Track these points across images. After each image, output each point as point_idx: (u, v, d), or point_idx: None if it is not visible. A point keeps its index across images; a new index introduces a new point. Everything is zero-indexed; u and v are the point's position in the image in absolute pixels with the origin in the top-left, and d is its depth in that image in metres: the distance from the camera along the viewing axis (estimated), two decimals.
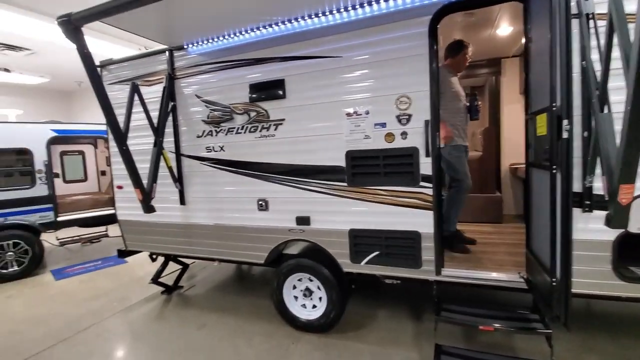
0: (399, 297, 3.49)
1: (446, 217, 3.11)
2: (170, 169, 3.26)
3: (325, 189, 2.78)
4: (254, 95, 2.93)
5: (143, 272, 4.84)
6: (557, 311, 1.71)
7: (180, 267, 4.21)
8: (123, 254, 3.87)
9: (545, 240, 1.78)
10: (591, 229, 2.00)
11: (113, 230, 6.17)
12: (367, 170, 2.64)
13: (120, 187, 3.72)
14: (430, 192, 2.47)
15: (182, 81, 3.25)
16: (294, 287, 3.06)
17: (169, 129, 3.26)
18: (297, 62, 2.75)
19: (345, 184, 2.71)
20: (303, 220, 2.88)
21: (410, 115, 2.47)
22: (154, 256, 3.90)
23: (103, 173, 6.70)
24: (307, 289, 3.01)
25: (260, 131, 2.95)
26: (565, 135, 1.56)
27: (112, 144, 3.60)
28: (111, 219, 5.76)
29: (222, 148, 3.14)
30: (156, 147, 3.08)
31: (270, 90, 2.87)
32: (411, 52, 2.42)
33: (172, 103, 3.26)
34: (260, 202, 3.02)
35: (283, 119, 2.86)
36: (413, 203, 2.52)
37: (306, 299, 3.02)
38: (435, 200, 2.46)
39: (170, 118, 3.27)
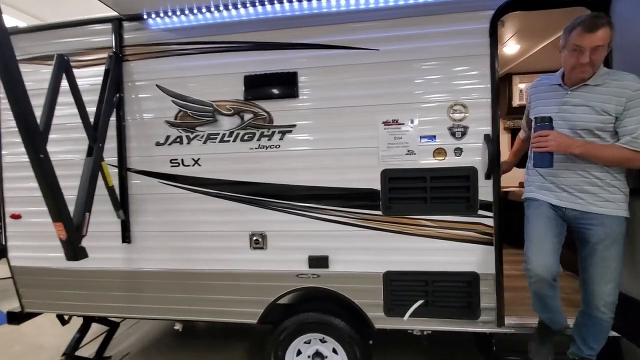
0: (411, 343, 2.92)
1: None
2: (111, 190, 2.20)
3: (351, 218, 2.10)
4: (250, 92, 2.15)
5: (39, 333, 3.37)
6: None
7: (107, 328, 2.97)
8: (16, 317, 2.52)
9: None
10: None
11: None
12: (409, 194, 2.06)
13: (16, 217, 2.45)
14: (490, 222, 1.99)
15: (135, 65, 2.28)
16: (299, 354, 2.25)
17: (110, 133, 2.21)
18: (317, 52, 2.09)
19: (379, 213, 2.07)
20: (318, 262, 2.14)
21: (466, 128, 2.00)
22: (67, 317, 2.65)
23: None
24: (318, 353, 2.24)
25: (259, 140, 2.16)
26: None
27: (11, 151, 2.38)
28: None
29: (197, 162, 2.23)
30: (92, 158, 2.02)
31: (276, 86, 2.13)
32: (469, 51, 1.97)
33: (118, 95, 2.25)
34: (254, 238, 2.18)
35: (293, 125, 2.13)
36: (469, 236, 2.02)
37: None
38: (496, 233, 1.99)
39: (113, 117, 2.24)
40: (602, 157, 1.65)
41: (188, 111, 2.22)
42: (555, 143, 1.63)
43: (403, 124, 2.04)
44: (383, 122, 2.05)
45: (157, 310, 2.33)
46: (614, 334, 1.94)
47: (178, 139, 2.24)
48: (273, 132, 2.14)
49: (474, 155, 1.99)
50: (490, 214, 1.99)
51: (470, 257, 2.02)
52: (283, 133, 2.14)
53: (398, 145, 2.04)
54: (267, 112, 2.14)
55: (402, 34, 2.02)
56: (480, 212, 2.00)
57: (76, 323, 2.69)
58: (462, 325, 2.05)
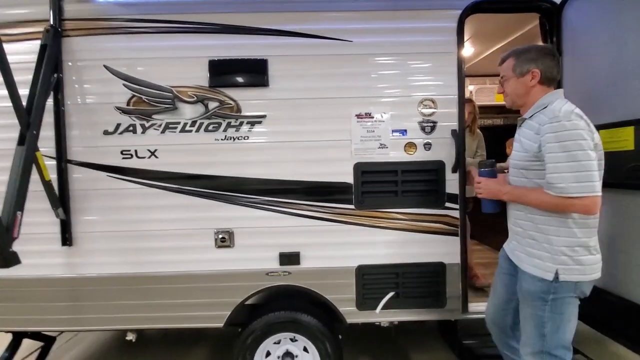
0: (378, 335, 2.97)
1: None
2: (48, 185, 1.90)
3: (324, 213, 2.06)
4: (216, 78, 1.99)
5: None
6: None
7: (41, 344, 2.58)
8: None
9: None
10: None
11: None
12: (381, 188, 2.07)
13: None
14: (456, 214, 2.08)
15: (77, 41, 1.99)
16: (268, 355, 2.15)
17: (46, 119, 1.90)
18: (290, 40, 2.00)
19: (351, 207, 2.06)
20: (290, 259, 2.06)
21: (435, 123, 2.06)
22: None
23: None
24: (288, 353, 2.16)
25: (225, 130, 2.01)
26: None
27: None
28: None
29: (153, 153, 2.02)
30: (25, 147, 1.72)
31: (245, 73, 2.00)
32: (439, 49, 2.03)
33: (57, 75, 1.94)
34: (220, 236, 2.04)
35: (263, 116, 2.02)
36: (437, 228, 2.08)
37: None
38: (462, 224, 2.08)
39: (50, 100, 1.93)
40: (528, 203, 1.49)
41: (143, 97, 1.99)
42: (483, 191, 1.63)
43: (375, 117, 2.04)
44: (356, 115, 2.03)
45: (106, 321, 2.07)
46: None
47: (131, 128, 2.00)
48: (241, 123, 2.01)
49: (442, 150, 2.06)
50: (456, 206, 2.08)
51: (437, 248, 2.09)
52: (252, 124, 2.01)
53: (371, 139, 2.04)
54: (234, 101, 2.00)
55: (374, 27, 2.01)
56: (447, 204, 2.07)
57: (4, 339, 2.30)
58: (429, 315, 2.12)
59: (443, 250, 2.09)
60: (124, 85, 1.99)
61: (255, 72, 1.99)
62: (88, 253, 2.05)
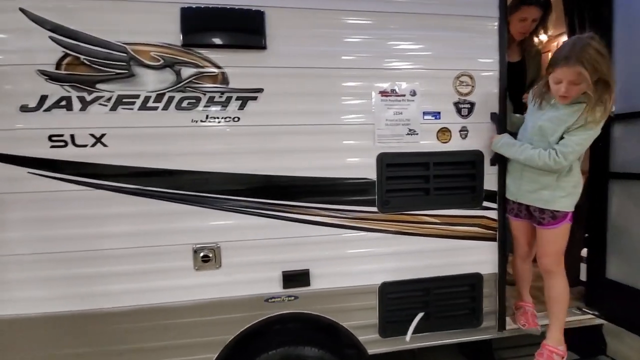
0: None
1: None
2: None
3: (340, 219, 1.60)
4: (193, 35, 1.42)
5: None
6: None
7: None
8: None
9: None
10: None
11: None
12: (410, 184, 1.65)
13: None
14: (494, 215, 1.73)
15: None
16: None
17: None
18: None
19: (374, 209, 1.62)
20: (296, 279, 1.58)
21: (472, 104, 1.67)
22: None
23: None
24: None
25: (206, 108, 1.46)
26: None
27: None
28: None
29: (99, 140, 1.41)
30: None
31: (233, 30, 1.45)
32: (479, 11, 1.64)
33: None
34: (202, 253, 1.50)
35: (259, 90, 1.49)
36: (472, 232, 1.72)
37: None
38: (500, 227, 1.74)
39: None
40: None
41: (82, 57, 1.36)
42: None
43: (404, 96, 1.60)
44: (380, 92, 1.58)
45: None
46: (597, 321, 1.92)
47: (64, 102, 1.37)
48: (229, 99, 1.46)
49: (480, 137, 1.69)
50: (495, 206, 1.73)
51: (473, 257, 1.74)
52: (244, 100, 1.48)
53: (398, 123, 1.61)
54: (219, 68, 1.45)
55: None
56: (485, 203, 1.72)
57: None
58: (463, 335, 1.77)
59: (479, 258, 1.74)
60: (52, 38, 1.34)
61: (247, 29, 1.45)
62: (5, 286, 1.41)
